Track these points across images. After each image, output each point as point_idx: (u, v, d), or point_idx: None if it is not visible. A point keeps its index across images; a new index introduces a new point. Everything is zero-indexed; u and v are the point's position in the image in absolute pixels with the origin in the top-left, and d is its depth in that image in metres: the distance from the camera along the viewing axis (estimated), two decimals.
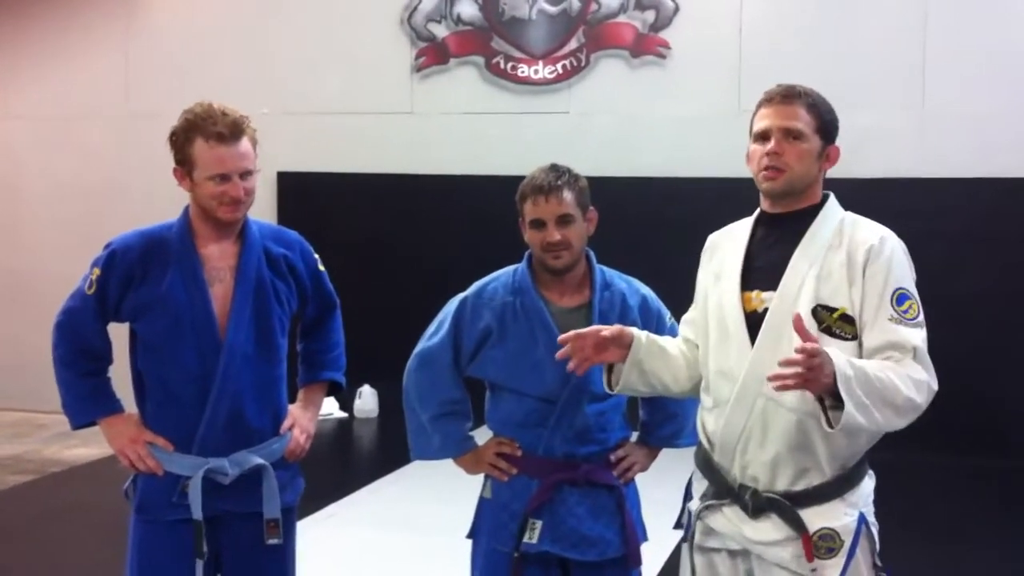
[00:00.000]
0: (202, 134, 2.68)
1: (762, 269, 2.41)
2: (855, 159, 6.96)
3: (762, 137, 2.41)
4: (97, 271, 2.75)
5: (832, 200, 2.46)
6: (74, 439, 7.42)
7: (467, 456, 2.95)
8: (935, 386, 2.28)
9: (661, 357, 2.54)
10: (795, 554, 2.32)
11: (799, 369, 2.10)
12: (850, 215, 2.45)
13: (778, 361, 2.14)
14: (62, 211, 8.71)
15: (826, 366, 2.12)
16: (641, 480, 2.98)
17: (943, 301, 7.12)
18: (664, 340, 2.60)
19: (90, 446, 7.02)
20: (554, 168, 2.81)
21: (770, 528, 2.35)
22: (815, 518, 2.32)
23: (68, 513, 5.77)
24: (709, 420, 2.48)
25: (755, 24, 7.44)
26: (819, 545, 2.30)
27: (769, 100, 2.43)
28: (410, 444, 3.01)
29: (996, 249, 6.93)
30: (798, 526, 2.31)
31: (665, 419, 2.96)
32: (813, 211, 2.42)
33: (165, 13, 8.56)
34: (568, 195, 2.76)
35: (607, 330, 2.48)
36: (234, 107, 2.76)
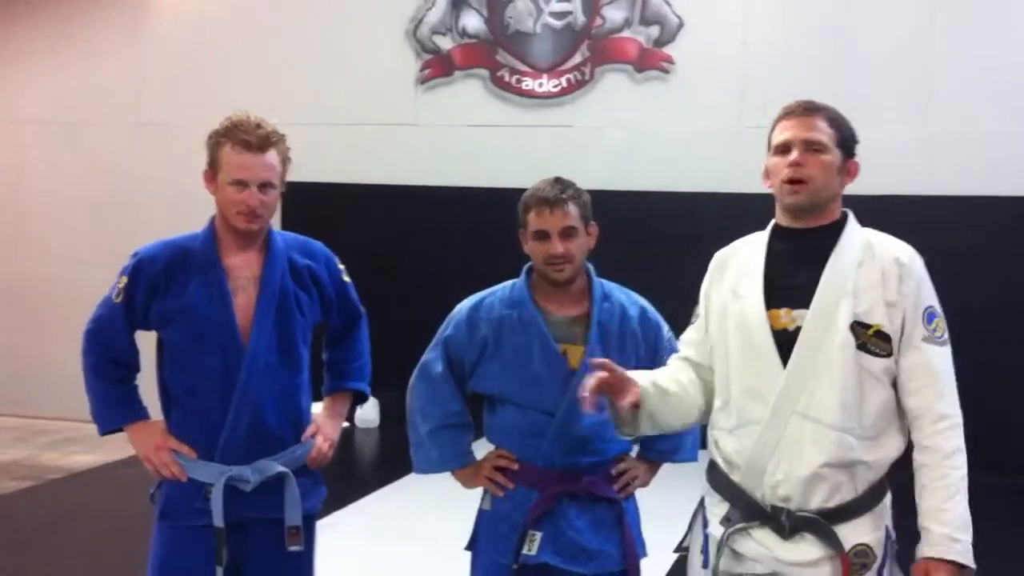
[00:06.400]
0: (231, 139, 2.75)
1: (788, 287, 2.38)
2: (860, 176, 7.01)
3: (783, 150, 2.38)
4: (124, 279, 2.80)
5: (852, 216, 2.45)
6: (74, 446, 7.43)
7: (465, 469, 2.95)
8: (957, 409, 2.36)
9: (665, 400, 2.49)
10: (831, 574, 2.32)
11: None
12: (871, 231, 2.45)
13: None
14: (66, 218, 8.72)
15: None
16: (640, 495, 2.98)
17: (949, 318, 7.19)
18: (664, 380, 2.52)
19: (90, 453, 7.02)
20: (559, 181, 2.82)
21: (806, 548, 2.32)
22: (849, 534, 2.32)
23: (65, 520, 5.77)
24: (729, 441, 2.43)
25: (759, 40, 7.47)
26: (854, 562, 2.31)
27: (790, 113, 2.41)
28: (412, 458, 3.01)
29: (1001, 267, 6.95)
30: (835, 544, 2.30)
31: (663, 434, 2.95)
32: (835, 227, 2.42)
33: (173, 22, 8.58)
34: (573, 208, 2.77)
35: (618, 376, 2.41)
36: (274, 122, 2.82)
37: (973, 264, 6.92)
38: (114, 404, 2.88)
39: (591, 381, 2.37)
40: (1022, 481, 6.71)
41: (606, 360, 2.44)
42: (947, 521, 2.27)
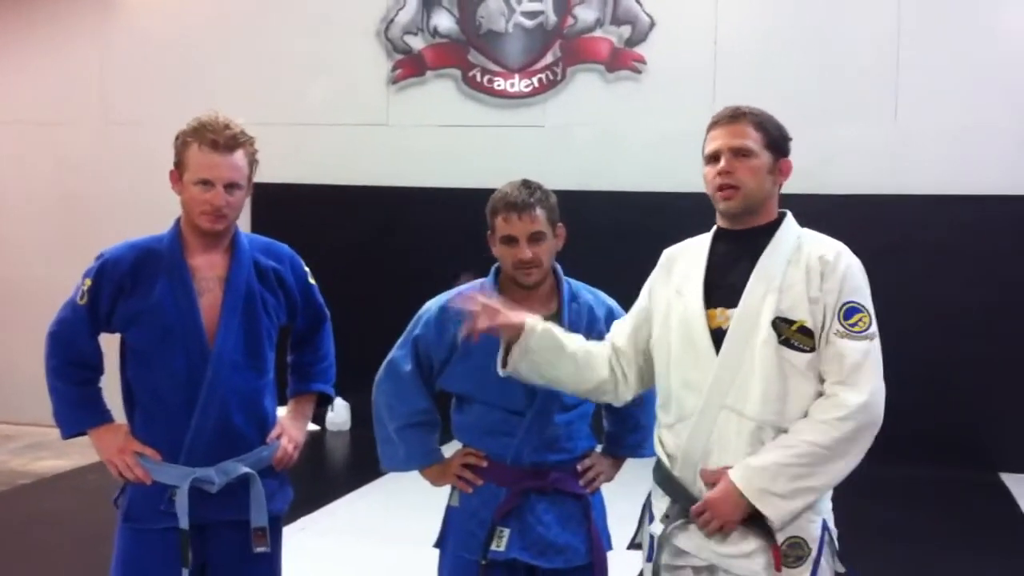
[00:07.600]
0: (198, 139, 2.74)
1: (724, 286, 2.45)
2: (827, 174, 7.06)
3: (713, 158, 2.47)
4: (89, 282, 2.78)
5: (789, 217, 2.52)
6: (43, 451, 7.35)
7: (433, 467, 2.95)
8: (870, 397, 2.32)
9: (555, 352, 2.56)
10: (765, 565, 2.35)
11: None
12: (807, 231, 2.51)
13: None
14: (35, 218, 8.61)
15: (728, 502, 2.32)
16: (606, 490, 3.00)
17: (913, 314, 7.29)
18: (566, 337, 2.60)
19: (60, 458, 6.95)
20: (526, 184, 2.81)
21: (739, 540, 2.37)
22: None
23: (34, 524, 5.72)
24: (669, 437, 2.50)
25: (730, 40, 7.49)
26: (788, 554, 2.34)
27: (717, 122, 2.50)
28: (379, 454, 3.01)
29: (966, 264, 7.01)
30: (767, 536, 2.34)
31: (629, 429, 2.98)
32: (771, 227, 2.48)
33: (143, 22, 8.50)
34: (540, 213, 2.76)
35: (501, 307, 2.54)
36: (240, 123, 2.81)
37: (941, 261, 6.98)
38: (77, 407, 2.86)
39: (470, 322, 2.51)
40: (986, 474, 6.76)
41: (479, 297, 2.55)
42: (763, 464, 2.31)
